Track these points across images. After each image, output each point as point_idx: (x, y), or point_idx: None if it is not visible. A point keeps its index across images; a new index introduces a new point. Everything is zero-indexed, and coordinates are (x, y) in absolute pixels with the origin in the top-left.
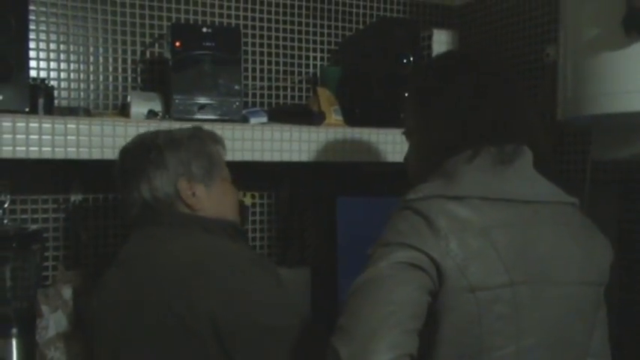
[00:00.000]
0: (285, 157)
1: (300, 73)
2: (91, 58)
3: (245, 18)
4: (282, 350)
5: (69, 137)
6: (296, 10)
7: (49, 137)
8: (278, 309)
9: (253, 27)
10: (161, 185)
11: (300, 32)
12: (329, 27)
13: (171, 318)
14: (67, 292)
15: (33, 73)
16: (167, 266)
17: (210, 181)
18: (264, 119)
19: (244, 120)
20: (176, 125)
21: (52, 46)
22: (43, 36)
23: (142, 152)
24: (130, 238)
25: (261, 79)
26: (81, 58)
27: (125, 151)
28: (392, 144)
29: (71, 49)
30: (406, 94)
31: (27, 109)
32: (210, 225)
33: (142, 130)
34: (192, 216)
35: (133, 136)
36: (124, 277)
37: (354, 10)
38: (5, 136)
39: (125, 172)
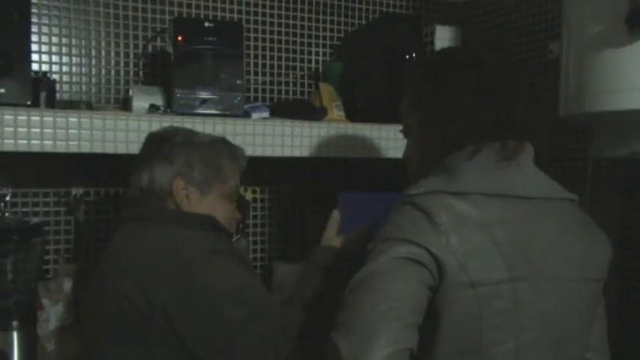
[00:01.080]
0: (287, 153)
1: (302, 69)
2: (93, 52)
3: (247, 13)
4: (241, 340)
5: (70, 131)
6: (298, 5)
7: (50, 131)
8: (235, 299)
9: (255, 22)
10: (159, 178)
11: (302, 27)
12: (331, 22)
13: (129, 306)
14: (67, 285)
15: (35, 67)
16: (129, 257)
17: (207, 190)
18: (266, 114)
19: (246, 115)
20: (177, 119)
21: (54, 39)
22: (45, 29)
23: (158, 142)
24: (115, 234)
25: (263, 74)
26: (83, 51)
27: (148, 136)
28: (394, 140)
29: (73, 43)
30: (405, 90)
31: (29, 103)
32: (184, 219)
33: (144, 124)
34: (169, 210)
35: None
36: (100, 270)
37: (357, 5)
38: (7, 129)
39: (140, 155)
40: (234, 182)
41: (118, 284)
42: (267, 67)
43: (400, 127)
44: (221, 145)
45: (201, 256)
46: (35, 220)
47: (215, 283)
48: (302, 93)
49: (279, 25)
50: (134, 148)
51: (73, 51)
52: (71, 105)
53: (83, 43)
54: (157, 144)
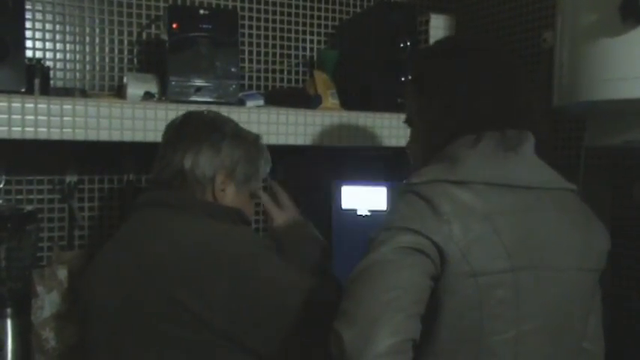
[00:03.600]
0: (282, 141)
1: (297, 56)
2: (88, 39)
3: (242, 0)
4: (293, 329)
5: (65, 118)
6: None
7: (44, 118)
8: (291, 286)
9: (250, 9)
10: (204, 164)
11: (297, 15)
12: (326, 10)
13: (182, 312)
14: (62, 273)
15: (29, 54)
16: (169, 253)
17: (242, 187)
18: (261, 102)
19: (241, 103)
20: (172, 107)
21: (49, 26)
22: (39, 16)
23: (208, 127)
24: (130, 219)
25: (258, 61)
26: (77, 38)
27: (192, 119)
28: (388, 128)
29: (67, 30)
30: (407, 80)
31: (23, 90)
32: (214, 210)
33: (138, 111)
34: (202, 201)
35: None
36: (127, 257)
37: None
38: (1, 116)
39: (181, 132)
40: (261, 183)
41: (165, 285)
42: (262, 54)
43: (397, 114)
44: (260, 144)
45: (255, 253)
46: (29, 207)
47: (275, 280)
48: (297, 81)
49: (274, 12)
50: (128, 136)
51: (68, 38)
52: (66, 92)
53: (78, 30)
54: (207, 130)
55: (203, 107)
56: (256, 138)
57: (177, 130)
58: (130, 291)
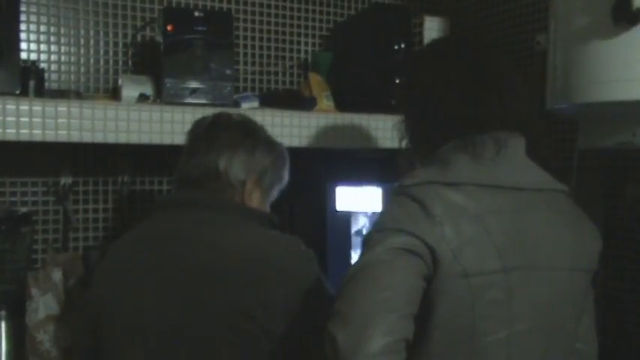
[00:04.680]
0: None
1: (291, 58)
2: (82, 41)
3: (237, 2)
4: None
5: (60, 120)
6: None
7: (39, 120)
8: (326, 293)
9: (245, 11)
10: (237, 167)
11: (292, 17)
12: (321, 12)
13: (245, 322)
14: (56, 275)
15: (24, 56)
16: (229, 255)
17: (267, 194)
18: (256, 104)
19: (235, 105)
20: (167, 109)
21: (43, 28)
22: (34, 18)
23: (243, 131)
24: (156, 216)
25: (253, 63)
26: (72, 40)
27: (223, 117)
28: (382, 130)
29: (62, 32)
30: (399, 83)
31: (17, 92)
32: (252, 214)
33: (133, 113)
34: (236, 203)
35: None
36: (163, 253)
37: None
38: None
39: (214, 133)
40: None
41: (230, 293)
42: (257, 56)
43: (392, 116)
44: (286, 154)
45: (305, 263)
46: (24, 209)
47: (322, 290)
48: (291, 83)
49: (269, 15)
50: (123, 138)
51: (62, 40)
52: (60, 94)
53: (72, 31)
54: (242, 133)
55: (198, 109)
56: (283, 147)
57: (208, 131)
58: (178, 294)
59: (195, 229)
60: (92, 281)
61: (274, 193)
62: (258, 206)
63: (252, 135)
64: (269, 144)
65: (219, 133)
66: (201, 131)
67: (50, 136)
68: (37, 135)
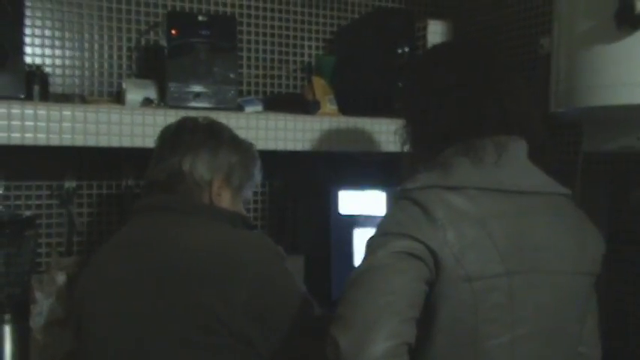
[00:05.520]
0: (280, 146)
1: (295, 62)
2: (87, 45)
3: (241, 6)
4: (295, 335)
5: (64, 124)
6: None
7: (44, 124)
8: (297, 294)
9: (249, 15)
10: (201, 168)
11: (295, 21)
12: (324, 16)
13: (213, 322)
14: (60, 279)
15: (28, 60)
16: (194, 255)
17: (237, 193)
18: (260, 108)
19: (239, 108)
20: (171, 113)
21: (48, 32)
22: (38, 22)
23: (207, 132)
24: (132, 223)
25: (257, 67)
26: (76, 44)
27: (188, 121)
28: (386, 133)
29: (67, 36)
30: (401, 87)
31: (22, 96)
32: (220, 214)
33: (137, 117)
34: (204, 204)
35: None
36: (138, 263)
37: None
38: (0, 122)
39: (179, 136)
40: (254, 189)
41: (191, 291)
42: (261, 60)
43: (395, 120)
44: (255, 152)
45: (272, 259)
46: (28, 213)
47: (287, 287)
48: (295, 87)
49: (272, 19)
50: (127, 141)
51: (67, 44)
52: (65, 98)
53: (77, 36)
54: (205, 135)
55: (202, 113)
56: (251, 145)
57: (174, 135)
58: (148, 298)
59: (163, 233)
60: (75, 287)
61: (246, 193)
62: (230, 206)
63: (216, 136)
64: (235, 143)
65: (184, 136)
66: (167, 136)
67: (54, 140)
68: (42, 139)
